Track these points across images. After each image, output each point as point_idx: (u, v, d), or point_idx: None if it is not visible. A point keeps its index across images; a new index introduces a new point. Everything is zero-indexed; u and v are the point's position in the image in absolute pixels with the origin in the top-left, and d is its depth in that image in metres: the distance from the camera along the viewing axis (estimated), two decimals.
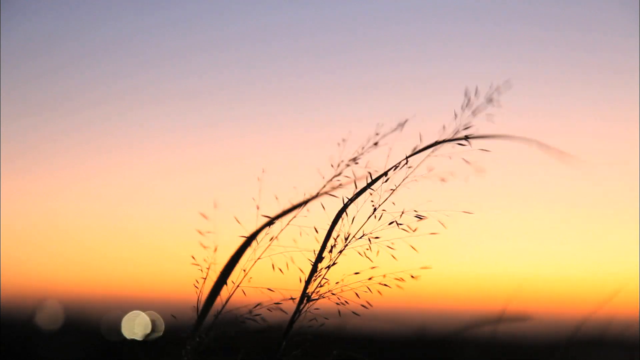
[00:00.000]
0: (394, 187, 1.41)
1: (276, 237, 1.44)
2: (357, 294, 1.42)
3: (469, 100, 1.39)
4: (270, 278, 1.44)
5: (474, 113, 1.39)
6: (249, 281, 1.45)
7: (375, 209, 1.42)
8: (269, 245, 1.44)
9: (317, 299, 1.43)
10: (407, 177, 1.41)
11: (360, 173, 1.44)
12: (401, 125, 1.42)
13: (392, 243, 1.41)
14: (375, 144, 1.44)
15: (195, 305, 1.43)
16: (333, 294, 1.43)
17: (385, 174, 1.41)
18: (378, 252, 1.42)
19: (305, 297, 1.43)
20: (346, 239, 1.43)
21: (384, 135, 1.44)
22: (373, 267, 1.42)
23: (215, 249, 1.46)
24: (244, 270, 1.45)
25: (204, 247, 1.45)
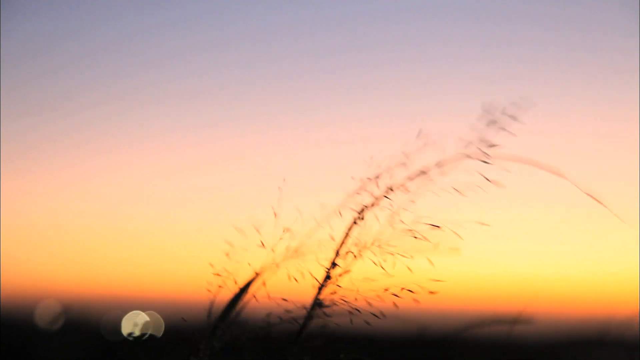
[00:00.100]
0: (411, 198, 1.41)
1: (296, 251, 1.44)
2: (370, 303, 1.42)
3: (490, 116, 1.39)
4: (285, 287, 1.45)
5: (497, 129, 1.39)
6: (267, 294, 1.45)
7: (392, 218, 1.42)
8: (289, 257, 1.44)
9: (329, 306, 1.43)
10: (425, 187, 1.41)
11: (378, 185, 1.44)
12: (418, 135, 1.41)
13: (411, 257, 1.41)
14: (403, 164, 1.43)
15: (208, 310, 1.43)
16: (345, 301, 1.43)
17: (403, 183, 1.42)
18: (394, 262, 1.42)
19: (317, 302, 1.43)
20: (362, 247, 1.43)
21: (410, 154, 1.43)
22: (391, 276, 1.42)
23: (228, 254, 1.46)
24: (263, 281, 1.45)
25: (229, 258, 1.45)
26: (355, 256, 1.43)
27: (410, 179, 1.42)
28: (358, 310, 1.42)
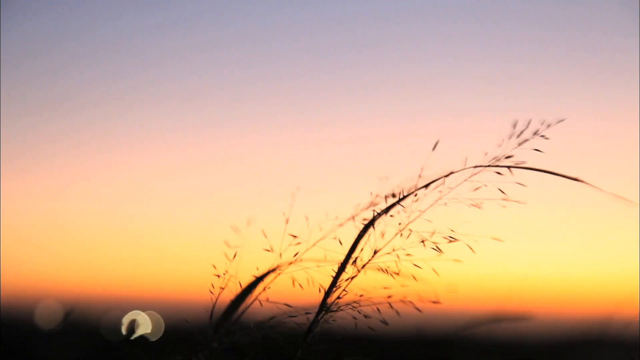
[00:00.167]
0: (425, 208, 1.41)
1: (300, 257, 1.44)
2: (378, 309, 1.41)
3: (518, 131, 1.38)
4: (289, 294, 1.45)
5: (518, 144, 1.39)
6: (267, 299, 1.45)
7: (403, 226, 1.41)
8: (293, 261, 1.44)
9: (335, 310, 1.43)
10: (440, 198, 1.40)
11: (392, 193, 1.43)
12: (434, 147, 1.40)
13: (418, 266, 1.41)
14: (419, 188, 1.42)
15: (210, 311, 1.42)
16: (353, 308, 1.42)
17: (416, 192, 1.41)
18: (400, 270, 1.42)
19: (324, 307, 1.43)
20: (375, 253, 1.43)
21: (429, 180, 1.42)
22: (398, 283, 1.42)
23: (234, 256, 1.45)
24: (263, 281, 1.44)
25: (228, 258, 1.45)
26: (363, 262, 1.43)
27: (425, 187, 1.41)
28: (364, 316, 1.42)
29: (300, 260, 1.43)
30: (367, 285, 1.43)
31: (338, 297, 1.43)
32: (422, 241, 1.40)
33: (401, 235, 1.42)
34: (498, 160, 1.39)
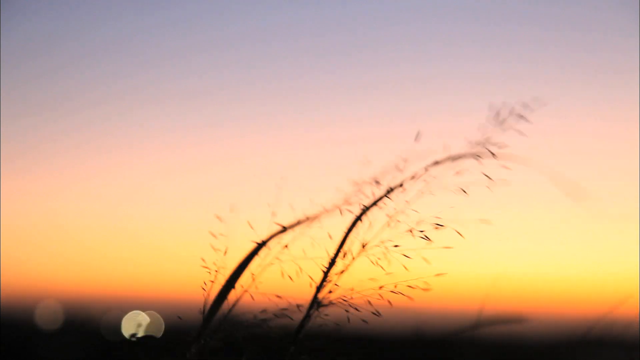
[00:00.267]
0: (411, 198, 1.41)
1: (287, 246, 1.44)
2: (369, 302, 1.42)
3: (497, 115, 1.39)
4: (280, 285, 1.45)
5: (500, 128, 1.39)
6: (257, 288, 1.45)
7: (391, 218, 1.42)
8: (280, 252, 1.44)
9: (327, 305, 1.43)
10: (426, 187, 1.41)
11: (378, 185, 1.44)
12: (416, 137, 1.41)
13: (408, 255, 1.41)
14: (400, 170, 1.43)
15: (202, 307, 1.43)
16: (344, 301, 1.43)
17: (402, 184, 1.41)
18: (390, 261, 1.42)
19: (315, 302, 1.43)
20: (363, 247, 1.43)
21: (408, 160, 1.42)
22: (388, 274, 1.42)
23: (226, 252, 1.45)
24: (253, 274, 1.44)
25: (215, 249, 1.45)
26: (353, 255, 1.43)
27: (411, 178, 1.42)
28: (356, 309, 1.42)
29: (288, 249, 1.43)
30: (357, 278, 1.43)
31: (329, 292, 1.43)
32: (410, 230, 1.41)
33: (389, 226, 1.42)
34: (479, 145, 1.39)
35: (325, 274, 1.43)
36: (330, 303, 1.43)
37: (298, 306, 1.43)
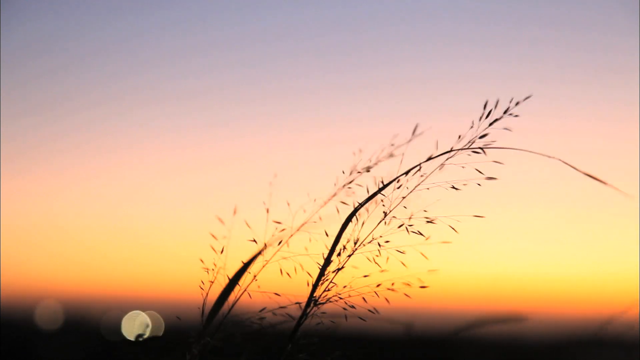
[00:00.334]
0: (406, 194, 1.41)
1: (286, 242, 1.44)
2: (364, 299, 1.42)
3: (488, 111, 1.39)
4: (278, 283, 1.45)
5: (491, 124, 1.39)
6: (258, 287, 1.45)
7: (385, 214, 1.42)
8: (278, 249, 1.44)
9: (324, 303, 1.43)
10: (419, 184, 1.41)
11: (373, 182, 1.44)
12: (414, 132, 1.41)
13: (403, 252, 1.41)
14: (391, 155, 1.43)
15: (201, 307, 1.43)
16: (340, 298, 1.43)
17: (397, 179, 1.41)
18: (388, 258, 1.42)
19: (312, 300, 1.43)
20: (355, 243, 1.43)
21: (399, 146, 1.43)
22: (382, 271, 1.42)
23: (222, 250, 1.45)
24: (250, 273, 1.44)
25: (215, 251, 1.45)
26: (349, 253, 1.43)
27: (405, 174, 1.42)
28: (352, 307, 1.42)
29: (287, 246, 1.43)
30: (353, 276, 1.43)
31: (326, 290, 1.43)
32: (403, 225, 1.41)
33: (385, 223, 1.42)
34: (472, 141, 1.39)
35: (321, 271, 1.43)
36: (327, 301, 1.43)
37: (298, 303, 1.43)
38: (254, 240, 1.43)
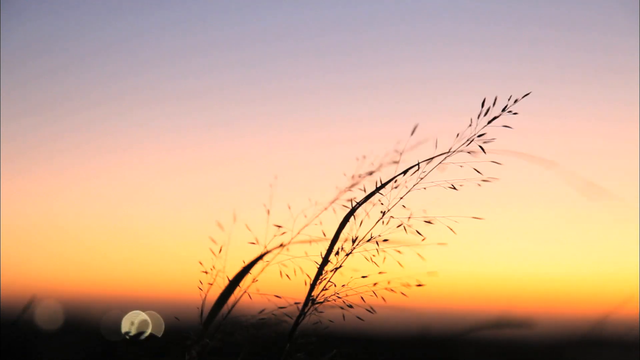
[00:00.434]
0: (404, 194, 1.41)
1: (287, 246, 1.44)
2: (362, 298, 1.42)
3: (486, 109, 1.39)
4: (277, 285, 1.45)
5: (489, 122, 1.39)
6: (257, 290, 1.45)
7: (383, 214, 1.42)
8: (278, 253, 1.44)
9: (322, 302, 1.43)
10: (417, 183, 1.41)
11: (371, 181, 1.44)
12: (413, 132, 1.41)
13: (400, 251, 1.41)
14: (396, 162, 1.43)
15: (200, 308, 1.43)
16: (338, 297, 1.43)
17: (395, 179, 1.41)
18: (384, 258, 1.42)
19: (310, 299, 1.43)
20: (353, 242, 1.43)
21: (403, 153, 1.43)
22: (380, 273, 1.42)
23: (221, 250, 1.45)
24: (251, 274, 1.44)
25: (214, 253, 1.45)
26: (347, 252, 1.43)
27: (403, 174, 1.42)
28: (350, 306, 1.42)
29: (287, 250, 1.43)
30: (351, 275, 1.43)
31: (323, 289, 1.43)
32: (401, 225, 1.41)
33: (383, 223, 1.42)
34: (470, 140, 1.39)
35: (319, 271, 1.43)
36: (325, 300, 1.43)
37: (297, 303, 1.43)
38: (255, 241, 1.43)
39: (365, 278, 1.42)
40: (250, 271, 1.42)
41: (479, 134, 1.39)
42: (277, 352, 1.43)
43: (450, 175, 1.40)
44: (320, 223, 1.43)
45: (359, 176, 1.45)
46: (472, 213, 1.38)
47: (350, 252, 1.43)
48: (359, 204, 1.42)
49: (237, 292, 1.44)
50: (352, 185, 1.45)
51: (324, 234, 1.43)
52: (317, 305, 1.43)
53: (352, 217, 1.42)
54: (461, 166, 1.40)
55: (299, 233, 1.43)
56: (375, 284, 1.41)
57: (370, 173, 1.44)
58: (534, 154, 1.36)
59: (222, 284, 1.42)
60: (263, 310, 1.45)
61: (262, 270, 1.45)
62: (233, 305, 1.44)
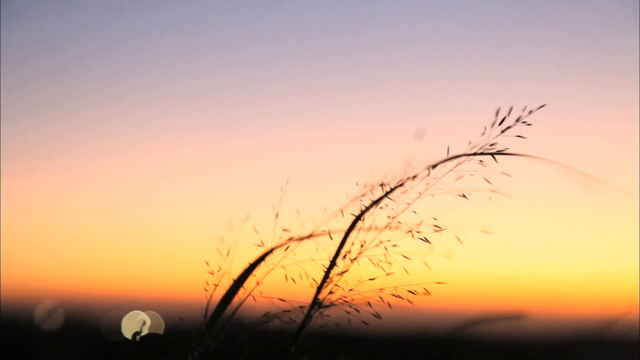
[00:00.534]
0: (412, 200, 1.41)
1: (293, 250, 1.44)
2: (369, 303, 1.41)
3: (501, 119, 1.38)
4: (283, 289, 1.45)
5: (503, 131, 1.39)
6: (261, 293, 1.45)
7: (392, 219, 1.42)
8: (285, 256, 1.44)
9: (328, 306, 1.43)
10: (427, 189, 1.40)
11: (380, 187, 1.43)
12: (421, 134, 1.40)
13: (409, 257, 1.41)
14: (412, 178, 1.42)
15: (204, 309, 1.43)
16: (344, 301, 1.42)
17: (403, 184, 1.41)
18: (391, 264, 1.42)
19: (316, 303, 1.43)
20: (361, 247, 1.43)
21: (411, 163, 1.42)
22: (388, 274, 1.42)
23: (228, 253, 1.45)
24: (255, 276, 1.44)
25: (221, 255, 1.45)
26: (354, 257, 1.43)
27: (412, 179, 1.41)
28: (356, 310, 1.42)
29: (294, 255, 1.43)
30: (358, 279, 1.43)
31: (330, 292, 1.43)
32: (410, 231, 1.40)
33: (390, 228, 1.42)
34: (482, 148, 1.39)
35: (326, 274, 1.43)
36: (331, 304, 1.43)
37: (302, 307, 1.43)
38: (262, 244, 1.43)
39: (372, 282, 1.41)
40: (255, 273, 1.42)
41: (491, 142, 1.38)
42: (282, 353, 1.43)
43: (459, 183, 1.39)
44: (327, 232, 1.43)
45: (372, 186, 1.44)
46: (481, 222, 1.38)
47: (358, 256, 1.43)
48: (367, 208, 1.41)
49: (241, 293, 1.44)
50: (361, 195, 1.44)
51: (331, 237, 1.43)
52: (323, 309, 1.43)
53: (360, 220, 1.42)
54: (472, 175, 1.39)
55: (307, 238, 1.43)
56: (381, 289, 1.41)
57: (382, 185, 1.43)
58: (534, 154, 1.36)
59: (227, 285, 1.42)
60: (267, 312, 1.45)
61: (267, 273, 1.44)
62: (237, 307, 1.44)
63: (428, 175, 1.41)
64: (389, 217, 1.42)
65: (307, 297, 1.43)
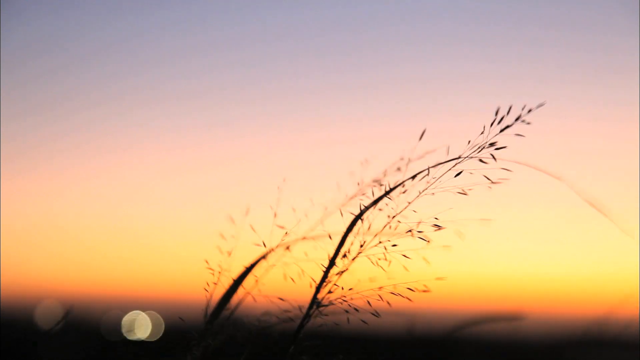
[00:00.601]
0: (412, 198, 1.41)
1: (290, 248, 1.44)
2: (368, 302, 1.41)
3: (500, 118, 1.38)
4: (282, 287, 1.45)
5: (502, 130, 1.39)
6: (259, 291, 1.45)
7: (391, 218, 1.42)
8: (283, 255, 1.44)
9: (327, 305, 1.43)
10: (426, 188, 1.41)
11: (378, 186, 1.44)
12: (421, 136, 1.41)
13: (408, 255, 1.41)
14: (399, 169, 1.43)
15: (205, 308, 1.43)
16: (344, 301, 1.43)
17: (403, 183, 1.41)
18: (390, 262, 1.42)
19: (315, 302, 1.43)
20: (360, 246, 1.43)
21: (409, 162, 1.43)
22: (389, 278, 1.42)
23: (230, 254, 1.45)
24: (256, 277, 1.44)
25: (221, 252, 1.45)
26: (353, 256, 1.43)
27: (412, 178, 1.42)
28: (355, 309, 1.42)
29: (293, 254, 1.44)
30: (357, 279, 1.43)
31: (329, 292, 1.43)
32: (409, 231, 1.40)
33: (390, 227, 1.42)
34: (481, 148, 1.39)
35: (325, 273, 1.43)
36: (330, 303, 1.43)
37: (300, 307, 1.43)
38: (263, 243, 1.43)
39: (371, 281, 1.42)
40: (254, 273, 1.42)
41: (491, 142, 1.39)
42: (281, 353, 1.43)
43: (459, 180, 1.40)
44: (328, 226, 1.43)
45: (369, 183, 1.44)
46: (477, 214, 1.38)
47: (357, 256, 1.43)
48: (367, 207, 1.42)
49: (241, 293, 1.44)
50: (360, 191, 1.44)
51: (330, 237, 1.43)
52: (322, 309, 1.43)
53: (360, 220, 1.42)
54: (471, 173, 1.39)
55: (304, 238, 1.43)
56: (380, 288, 1.42)
57: (377, 181, 1.44)
58: (540, 163, 1.36)
59: (226, 283, 1.42)
60: (266, 312, 1.45)
61: (266, 272, 1.45)
62: (236, 307, 1.44)
63: (427, 174, 1.41)
64: (388, 216, 1.42)
65: (306, 297, 1.43)
